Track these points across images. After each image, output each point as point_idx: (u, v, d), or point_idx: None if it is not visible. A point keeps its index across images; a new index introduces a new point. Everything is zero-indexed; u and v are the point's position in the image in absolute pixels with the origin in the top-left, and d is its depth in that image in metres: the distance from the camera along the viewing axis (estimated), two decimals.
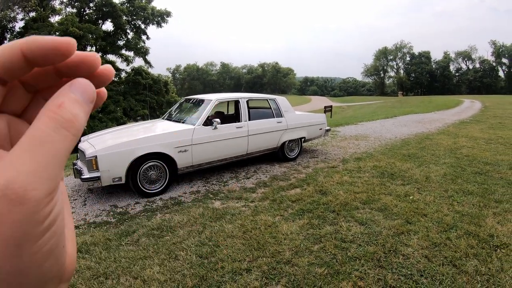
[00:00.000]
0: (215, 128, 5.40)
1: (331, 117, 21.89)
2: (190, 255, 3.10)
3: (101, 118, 16.70)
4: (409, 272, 2.70)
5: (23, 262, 0.21)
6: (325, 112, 22.97)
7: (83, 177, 4.51)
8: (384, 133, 10.28)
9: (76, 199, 5.00)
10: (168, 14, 19.94)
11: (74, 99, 0.24)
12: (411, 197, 4.38)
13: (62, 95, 0.23)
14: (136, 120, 18.16)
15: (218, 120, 5.42)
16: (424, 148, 7.72)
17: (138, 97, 19.76)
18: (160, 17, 19.65)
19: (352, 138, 9.47)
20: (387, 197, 4.42)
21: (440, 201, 4.26)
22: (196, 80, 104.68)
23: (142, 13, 18.88)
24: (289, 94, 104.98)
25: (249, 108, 6.33)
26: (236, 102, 6.26)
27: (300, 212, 4.02)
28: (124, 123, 17.94)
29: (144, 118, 18.28)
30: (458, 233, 3.37)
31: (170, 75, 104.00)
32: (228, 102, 7.47)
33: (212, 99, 5.73)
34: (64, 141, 0.22)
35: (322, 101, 55.47)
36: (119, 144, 4.65)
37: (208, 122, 5.51)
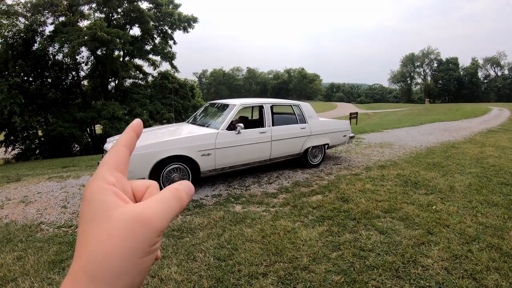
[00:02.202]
0: (239, 132, 5.47)
1: (356, 124, 21.65)
2: (208, 257, 3.15)
3: (127, 120, 17.10)
4: (427, 284, 2.65)
5: (131, 269, 0.32)
6: (350, 119, 22.73)
7: None
8: (409, 141, 10.07)
9: None
10: (194, 20, 20.28)
11: (184, 190, 0.37)
12: (434, 207, 4.29)
13: (179, 184, 0.37)
14: (162, 123, 18.52)
15: (241, 125, 5.48)
16: (449, 157, 7.53)
17: (164, 101, 20.14)
18: (186, 23, 19.98)
19: (377, 146, 9.33)
20: (409, 206, 4.35)
21: (464, 212, 4.15)
22: (222, 85, 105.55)
23: (169, 19, 19.28)
24: (315, 100, 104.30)
25: (273, 113, 6.36)
26: (260, 108, 6.30)
27: (321, 218, 4.01)
28: (150, 126, 18.32)
29: (169, 121, 18.59)
30: (480, 245, 3.27)
31: (196, 79, 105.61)
32: (252, 107, 7.56)
33: (236, 104, 5.81)
34: (176, 207, 0.35)
35: (348, 108, 54.89)
36: (143, 146, 4.75)
37: (231, 126, 5.59)
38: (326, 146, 7.03)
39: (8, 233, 3.86)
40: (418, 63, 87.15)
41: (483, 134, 11.71)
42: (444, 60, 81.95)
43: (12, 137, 16.95)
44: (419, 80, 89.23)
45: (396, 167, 6.54)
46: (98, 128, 19.45)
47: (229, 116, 5.58)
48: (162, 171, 4.88)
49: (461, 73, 79.98)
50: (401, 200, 4.56)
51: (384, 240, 3.36)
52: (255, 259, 3.07)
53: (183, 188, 0.37)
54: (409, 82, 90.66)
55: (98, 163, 5.36)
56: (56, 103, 17.17)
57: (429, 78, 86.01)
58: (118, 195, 0.34)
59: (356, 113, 24.24)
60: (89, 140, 19.30)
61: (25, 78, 16.66)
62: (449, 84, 77.67)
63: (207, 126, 5.75)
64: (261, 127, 6.03)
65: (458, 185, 5.26)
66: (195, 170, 5.18)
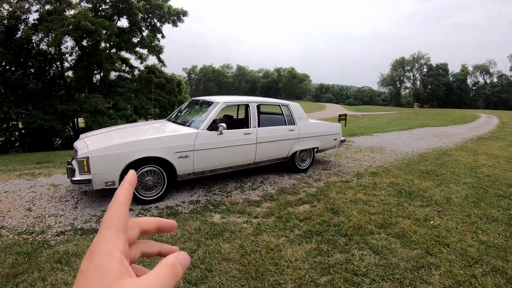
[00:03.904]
0: (221, 133, 5.00)
1: (345, 126, 21.39)
2: None
3: (111, 114, 16.45)
4: None
5: None
6: (339, 120, 22.45)
7: (73, 179, 4.14)
8: (400, 146, 9.75)
9: (68, 201, 4.66)
10: (184, 13, 19.64)
11: (180, 265, 0.38)
12: (431, 222, 3.90)
13: (175, 258, 0.38)
14: (147, 119, 17.96)
15: (224, 125, 5.00)
16: (443, 164, 7.20)
17: (150, 95, 19.54)
18: (176, 16, 19.33)
19: (367, 150, 8.98)
20: (405, 220, 3.95)
21: (463, 228, 3.79)
22: (212, 82, 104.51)
23: (158, 12, 18.63)
24: (304, 100, 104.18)
25: (259, 113, 5.92)
26: (246, 107, 5.81)
27: (308, 234, 3.57)
28: (134, 120, 17.73)
29: (154, 117, 18.02)
30: (483, 269, 2.91)
31: (185, 75, 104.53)
32: (238, 105, 7.11)
33: (220, 102, 5.33)
34: (173, 282, 0.36)
35: (336, 109, 54.65)
36: (113, 146, 4.27)
37: (214, 126, 5.12)
38: (316, 150, 6.62)
39: None
40: (408, 68, 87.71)
41: (474, 141, 11.48)
42: (434, 65, 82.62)
43: None
44: (409, 84, 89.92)
45: (388, 175, 6.16)
46: (81, 122, 18.75)
47: (211, 115, 5.10)
48: None
49: (451, 79, 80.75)
50: (396, 213, 4.16)
51: (380, 262, 2.94)
52: (231, 284, 2.62)
53: (179, 263, 0.38)
54: (398, 86, 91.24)
55: (68, 162, 4.86)
56: (37, 95, 16.41)
57: (418, 83, 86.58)
58: (124, 266, 0.35)
59: (345, 115, 23.96)
60: (72, 133, 18.55)
61: (7, 67, 15.91)
62: (438, 90, 78.26)
63: (186, 125, 5.26)
64: (246, 128, 5.57)
65: (455, 197, 4.90)
66: (172, 173, 4.70)
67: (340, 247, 3.26)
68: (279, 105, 6.19)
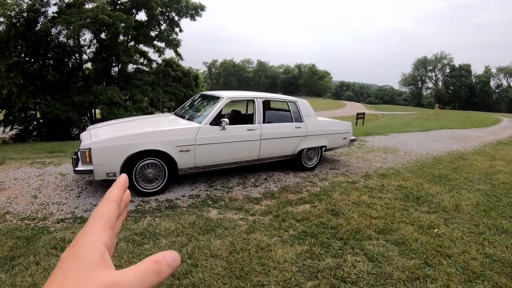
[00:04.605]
0: (223, 128, 4.93)
1: (363, 125, 21.04)
2: None
3: (127, 106, 16.63)
4: None
5: None
6: (357, 119, 22.10)
7: (76, 168, 4.21)
8: (415, 148, 9.47)
9: (72, 190, 4.72)
10: (202, 8, 19.65)
11: (165, 263, 0.36)
12: (435, 230, 3.71)
13: (162, 256, 0.37)
14: (162, 111, 18.06)
15: (226, 120, 4.93)
16: (457, 169, 6.93)
17: (167, 88, 19.65)
18: (194, 10, 19.38)
19: (380, 151, 8.76)
20: (408, 227, 3.78)
21: (469, 239, 3.57)
22: (232, 76, 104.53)
23: (176, 6, 18.70)
24: (324, 97, 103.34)
25: (265, 109, 5.82)
26: (252, 102, 5.71)
27: (303, 235, 3.47)
28: (151, 113, 17.89)
29: (162, 110, 18.12)
30: (484, 285, 2.70)
31: (206, 69, 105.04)
32: (247, 101, 7.02)
33: (224, 97, 5.26)
34: (153, 280, 0.34)
35: (356, 108, 53.96)
36: (115, 138, 4.30)
37: (218, 121, 5.06)
38: (324, 148, 6.48)
39: None
40: (430, 67, 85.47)
41: (493, 145, 11.04)
42: (457, 66, 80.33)
43: (10, 118, 16.60)
44: (430, 85, 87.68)
45: (398, 177, 5.97)
46: (98, 113, 19.05)
47: (215, 109, 5.03)
48: (135, 166, 4.39)
49: (473, 80, 78.47)
50: (399, 219, 3.99)
51: (372, 270, 2.80)
52: (213, 282, 2.56)
53: (165, 261, 0.36)
54: (420, 85, 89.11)
55: (75, 152, 4.90)
56: (55, 86, 16.69)
57: (440, 83, 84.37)
58: (105, 258, 0.34)
59: (363, 113, 23.56)
60: (88, 124, 18.87)
61: (27, 58, 16.27)
62: (460, 91, 76.13)
63: (190, 119, 5.22)
64: (251, 123, 5.48)
65: (465, 204, 4.68)
66: (173, 167, 4.67)
67: (333, 251, 3.13)
68: (286, 102, 6.07)
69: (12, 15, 15.03)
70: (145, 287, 0.34)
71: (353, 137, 7.08)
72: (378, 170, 6.56)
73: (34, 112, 17.42)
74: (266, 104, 5.96)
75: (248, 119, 6.32)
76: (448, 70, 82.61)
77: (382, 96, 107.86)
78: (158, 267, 0.35)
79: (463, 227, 3.88)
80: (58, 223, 3.66)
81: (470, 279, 2.78)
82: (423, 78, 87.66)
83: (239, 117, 6.56)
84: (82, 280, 0.31)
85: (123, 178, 0.45)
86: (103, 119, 15.72)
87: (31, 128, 17.41)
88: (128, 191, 0.46)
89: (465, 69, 78.54)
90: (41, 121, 17.11)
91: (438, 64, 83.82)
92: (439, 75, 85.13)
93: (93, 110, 18.51)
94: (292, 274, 2.69)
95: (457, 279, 2.77)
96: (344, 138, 6.77)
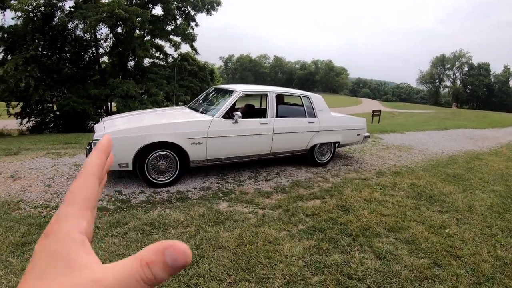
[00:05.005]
0: (236, 122, 4.93)
1: (378, 122, 20.80)
2: None
3: (142, 100, 16.81)
4: None
5: None
6: (373, 116, 21.84)
7: None
8: (430, 146, 9.29)
9: None
10: (218, 3, 19.67)
11: (164, 263, 0.28)
12: (447, 230, 3.63)
13: (157, 254, 0.28)
14: (177, 105, 18.18)
15: (239, 113, 4.93)
16: (472, 169, 6.77)
17: (182, 82, 19.76)
18: (210, 5, 19.42)
19: (395, 148, 8.63)
20: (419, 226, 3.71)
21: (481, 240, 3.49)
22: (248, 71, 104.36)
23: (192, 0, 18.75)
24: (341, 94, 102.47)
25: (278, 103, 5.79)
26: (265, 96, 5.69)
27: (311, 230, 3.45)
28: (166, 106, 18.03)
29: (176, 103, 18.24)
30: None
31: (222, 63, 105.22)
32: (261, 95, 6.98)
33: (237, 91, 5.25)
34: (137, 286, 0.28)
35: (372, 105, 53.18)
36: (127, 129, 4.36)
37: (230, 114, 5.07)
38: (337, 144, 6.41)
39: None
40: (449, 66, 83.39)
41: (510, 146, 10.73)
42: (476, 65, 78.39)
43: (28, 110, 16.97)
44: (448, 83, 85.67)
45: (411, 175, 5.87)
46: (114, 106, 19.32)
47: (227, 103, 5.04)
48: (148, 157, 4.43)
49: (492, 80, 76.62)
50: (410, 217, 3.93)
51: (380, 268, 2.76)
52: (219, 273, 2.57)
53: (161, 261, 0.28)
54: (437, 84, 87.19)
55: (89, 144, 4.98)
56: (72, 79, 17.00)
57: (458, 82, 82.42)
58: (86, 249, 0.30)
59: (379, 111, 23.27)
60: (105, 116, 19.15)
61: (44, 52, 16.59)
62: (479, 90, 74.42)
63: (203, 112, 5.23)
64: (263, 117, 5.46)
65: (478, 205, 4.56)
66: (185, 159, 4.70)
67: (341, 247, 3.11)
68: (299, 96, 6.02)
69: (30, 9, 15.33)
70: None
71: (367, 134, 6.99)
72: (392, 167, 6.47)
73: (50, 105, 17.75)
74: (280, 98, 5.92)
75: (261, 113, 6.30)
76: (466, 69, 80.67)
77: (399, 94, 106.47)
78: (146, 272, 0.28)
79: (475, 228, 3.79)
80: None
81: (480, 281, 2.71)
82: (441, 76, 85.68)
83: (253, 111, 6.55)
84: (63, 277, 0.27)
85: (104, 141, 0.37)
86: (119, 112, 15.90)
87: (47, 120, 17.76)
88: (111, 155, 0.39)
89: (484, 68, 76.73)
90: (57, 113, 17.43)
91: (457, 63, 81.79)
92: (457, 74, 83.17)
93: (109, 103, 18.76)
94: (299, 269, 2.68)
95: (466, 280, 2.71)
96: (358, 135, 6.69)
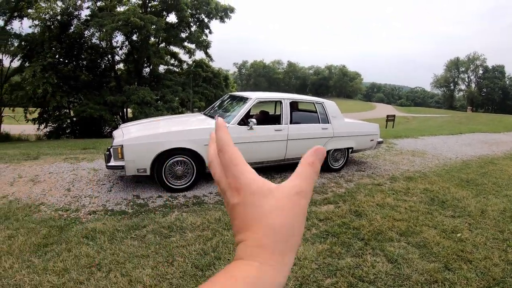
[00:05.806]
0: (251, 128, 5.05)
1: (393, 127, 20.64)
2: (187, 263, 2.84)
3: (157, 106, 17.13)
4: None
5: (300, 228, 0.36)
6: (387, 121, 21.68)
7: (108, 164, 4.46)
8: (444, 151, 9.24)
9: (104, 184, 4.99)
10: (231, 10, 19.93)
11: (319, 161, 0.38)
12: (458, 235, 3.66)
13: (313, 156, 0.38)
14: (192, 111, 18.45)
15: (254, 120, 5.06)
16: (486, 174, 6.73)
17: (197, 89, 20.09)
18: (223, 12, 19.71)
19: (408, 153, 8.62)
20: (431, 230, 3.76)
21: (492, 245, 3.50)
22: (262, 77, 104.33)
23: (205, 7, 19.07)
24: (355, 99, 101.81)
25: (292, 110, 5.89)
26: (279, 103, 5.80)
27: (325, 234, 3.53)
28: (181, 113, 18.32)
29: (192, 110, 18.52)
30: None
31: (236, 69, 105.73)
32: (276, 102, 7.09)
33: (252, 98, 5.38)
34: (312, 180, 0.38)
35: (386, 110, 52.70)
36: (146, 136, 4.54)
37: (246, 121, 5.19)
38: (350, 150, 6.47)
39: (9, 211, 3.89)
40: (463, 69, 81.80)
41: None
42: (490, 67, 76.82)
43: (45, 115, 17.48)
44: (463, 87, 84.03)
45: (424, 180, 5.89)
46: (130, 112, 19.72)
47: (243, 110, 5.17)
48: (165, 163, 4.58)
49: (507, 82, 74.85)
50: (422, 222, 3.97)
51: (391, 271, 2.83)
52: None
53: (318, 160, 0.38)
54: (452, 88, 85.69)
55: (108, 149, 5.17)
56: (89, 85, 17.49)
57: (473, 85, 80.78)
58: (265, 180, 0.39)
59: (394, 115, 23.07)
60: (120, 122, 19.55)
61: (61, 59, 17.10)
62: (494, 94, 72.85)
63: None
64: (278, 124, 5.57)
65: (491, 210, 4.56)
66: (201, 164, 4.84)
67: (353, 251, 3.19)
68: (313, 103, 6.11)
69: (47, 18, 15.85)
70: (312, 184, 0.37)
71: (380, 139, 7.02)
72: (405, 173, 6.48)
73: (68, 111, 18.28)
74: (294, 105, 6.02)
75: (275, 119, 6.41)
76: (481, 72, 79.05)
77: (413, 98, 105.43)
78: (314, 168, 0.38)
79: (487, 232, 3.80)
80: (90, 215, 3.89)
81: (490, 285, 2.75)
82: (456, 79, 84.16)
83: (267, 118, 6.66)
84: (270, 199, 0.36)
85: (220, 121, 0.43)
86: (135, 118, 16.27)
87: (64, 125, 18.27)
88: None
89: (499, 71, 75.13)
90: (74, 119, 17.93)
91: (471, 65, 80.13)
92: (472, 77, 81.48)
93: (125, 109, 19.18)
94: (311, 271, 2.77)
95: (476, 284, 2.74)
96: (371, 140, 6.73)
